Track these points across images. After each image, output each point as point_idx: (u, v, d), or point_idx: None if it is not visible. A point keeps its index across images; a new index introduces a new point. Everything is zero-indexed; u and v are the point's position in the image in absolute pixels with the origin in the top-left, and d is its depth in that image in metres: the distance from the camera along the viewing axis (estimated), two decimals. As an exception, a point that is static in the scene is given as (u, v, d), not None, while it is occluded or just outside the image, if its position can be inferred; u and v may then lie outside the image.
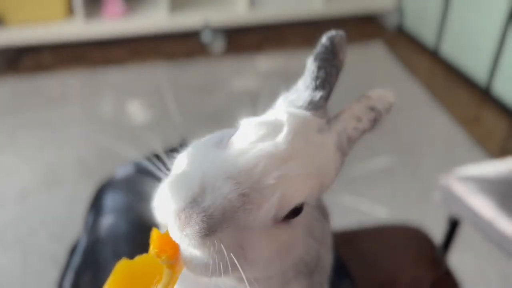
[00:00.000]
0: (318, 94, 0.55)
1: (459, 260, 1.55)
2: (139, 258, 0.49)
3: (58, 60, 3.00)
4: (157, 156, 0.56)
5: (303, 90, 0.56)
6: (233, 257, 0.45)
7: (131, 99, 2.68)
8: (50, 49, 3.05)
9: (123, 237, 0.96)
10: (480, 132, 2.44)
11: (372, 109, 0.56)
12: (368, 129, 0.56)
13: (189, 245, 0.45)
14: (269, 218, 0.47)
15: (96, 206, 1.09)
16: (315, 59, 0.56)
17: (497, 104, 2.58)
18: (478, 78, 2.69)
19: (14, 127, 2.44)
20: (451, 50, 2.90)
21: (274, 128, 0.49)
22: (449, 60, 2.91)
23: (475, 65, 2.70)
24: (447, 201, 1.30)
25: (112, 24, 2.96)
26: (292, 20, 3.22)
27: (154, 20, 3.02)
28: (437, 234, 1.34)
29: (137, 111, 2.58)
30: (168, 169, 0.54)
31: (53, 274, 1.65)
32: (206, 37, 3.08)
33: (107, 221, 1.01)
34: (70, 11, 2.95)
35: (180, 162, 0.51)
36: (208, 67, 2.90)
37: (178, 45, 3.14)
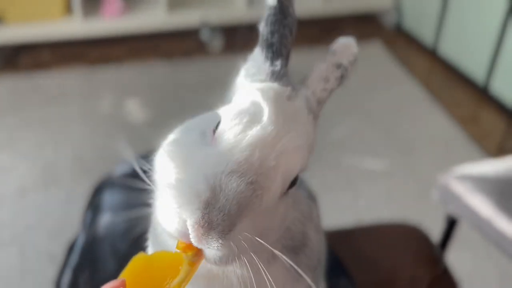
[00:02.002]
0: (278, 64, 0.55)
1: (457, 259, 1.55)
2: (157, 254, 0.50)
3: (57, 58, 2.99)
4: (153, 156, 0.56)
5: (262, 61, 0.56)
6: (255, 238, 0.47)
7: (130, 98, 2.67)
8: (49, 47, 3.04)
9: (121, 235, 0.96)
10: (478, 131, 2.45)
11: (338, 66, 0.56)
12: (336, 88, 0.57)
13: (215, 247, 0.46)
14: (278, 196, 0.49)
15: (94, 204, 1.09)
16: (266, 24, 0.56)
17: (495, 103, 2.58)
18: (476, 77, 2.69)
19: (12, 125, 2.43)
20: (450, 49, 2.90)
21: (255, 111, 0.50)
22: (448, 59, 2.91)
23: (473, 64, 2.70)
24: (445, 200, 1.31)
25: (110, 23, 2.95)
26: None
27: (153, 18, 3.01)
28: (435, 233, 1.34)
29: (135, 109, 2.58)
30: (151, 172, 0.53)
31: (51, 272, 1.64)
32: (204, 36, 3.07)
33: (105, 219, 1.01)
34: (68, 9, 2.94)
35: (164, 164, 0.50)
36: (206, 66, 2.89)
37: (177, 44, 3.14)
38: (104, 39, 3.06)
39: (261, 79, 0.55)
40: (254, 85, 0.54)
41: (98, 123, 2.46)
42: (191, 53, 3.03)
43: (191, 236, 0.46)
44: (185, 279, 0.48)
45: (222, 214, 0.44)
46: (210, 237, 0.45)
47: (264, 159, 0.48)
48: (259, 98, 0.51)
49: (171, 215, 0.47)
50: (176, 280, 0.47)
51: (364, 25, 3.42)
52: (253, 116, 0.50)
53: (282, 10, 0.56)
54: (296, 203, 0.58)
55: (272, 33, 0.56)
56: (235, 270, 0.51)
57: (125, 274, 0.48)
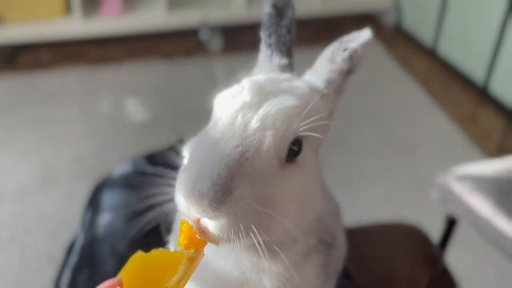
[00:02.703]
0: (277, 59, 0.59)
1: (456, 259, 1.55)
2: (155, 252, 0.50)
3: (56, 58, 2.99)
4: (155, 154, 0.57)
5: (262, 61, 0.61)
6: (258, 207, 0.47)
7: (129, 97, 2.67)
8: (48, 47, 3.04)
9: (120, 235, 0.96)
10: (477, 131, 2.45)
11: (344, 48, 0.57)
12: (346, 69, 0.58)
13: (214, 214, 0.47)
14: (273, 158, 0.50)
15: (93, 204, 1.09)
16: (264, 27, 0.60)
17: (494, 103, 2.59)
18: (476, 77, 2.69)
19: (11, 125, 2.43)
20: (449, 49, 2.90)
21: (240, 91, 0.53)
22: (447, 60, 2.91)
23: (473, 64, 2.71)
24: (444, 200, 1.31)
25: (110, 22, 2.95)
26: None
27: (152, 18, 3.01)
28: (435, 232, 1.34)
29: (134, 109, 2.58)
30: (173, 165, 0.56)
31: (50, 272, 1.65)
32: (204, 35, 3.07)
33: (105, 219, 1.01)
34: (68, 9, 2.94)
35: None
36: (206, 65, 2.89)
37: (176, 43, 3.14)
38: (103, 39, 3.06)
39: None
40: None
41: (97, 123, 2.45)
42: (191, 53, 3.03)
43: (188, 210, 0.48)
44: (184, 277, 0.48)
45: (211, 180, 0.46)
46: (203, 204, 0.46)
47: (246, 123, 0.49)
48: (244, 81, 0.54)
49: (178, 197, 0.49)
50: (174, 278, 0.47)
51: (363, 25, 3.38)
52: (238, 93, 0.52)
53: (278, 13, 0.60)
54: (325, 198, 0.59)
55: (269, 35, 0.60)
56: (266, 269, 0.53)
57: (123, 272, 0.48)
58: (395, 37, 3.29)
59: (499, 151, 2.30)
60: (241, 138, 0.49)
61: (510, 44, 2.43)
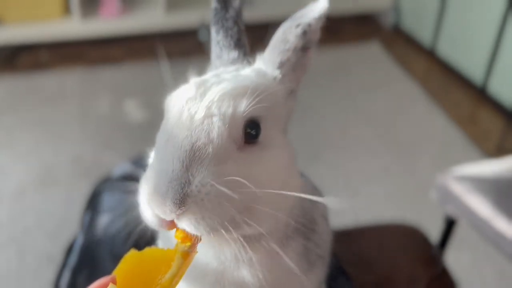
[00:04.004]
0: (225, 54, 0.60)
1: (455, 259, 1.55)
2: (148, 250, 0.50)
3: (55, 58, 2.99)
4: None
5: (214, 60, 0.61)
6: (224, 189, 0.47)
7: (128, 98, 2.67)
8: (47, 47, 3.04)
9: (119, 237, 0.96)
10: (476, 131, 2.45)
11: (297, 25, 0.56)
12: (301, 45, 0.56)
13: (181, 210, 0.47)
14: (227, 142, 0.49)
15: (92, 205, 1.09)
16: (211, 25, 0.60)
17: (493, 104, 2.59)
18: (474, 77, 2.69)
19: (11, 125, 2.43)
20: (448, 49, 2.90)
21: (186, 88, 0.53)
22: (446, 60, 2.91)
23: (471, 64, 2.71)
24: (443, 200, 1.31)
25: (108, 23, 2.95)
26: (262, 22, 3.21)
27: (151, 19, 3.01)
28: (434, 233, 1.34)
29: (134, 109, 2.58)
30: None
31: (49, 273, 1.64)
32: (203, 36, 3.07)
33: (104, 220, 1.01)
34: (67, 10, 2.94)
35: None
36: (205, 66, 2.88)
37: (175, 44, 3.14)
38: (102, 40, 3.06)
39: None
40: None
41: (96, 124, 2.45)
42: (190, 53, 3.03)
43: (156, 222, 0.48)
44: (177, 274, 0.48)
45: (167, 178, 0.46)
46: (167, 204, 0.46)
47: (193, 114, 0.50)
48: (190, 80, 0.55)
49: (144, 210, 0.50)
50: (167, 275, 0.47)
51: (362, 25, 3.42)
52: (183, 92, 0.53)
53: (224, 7, 0.60)
54: (305, 183, 0.59)
55: (217, 31, 0.60)
56: (243, 258, 0.53)
57: (117, 271, 0.48)
58: (394, 38, 3.29)
59: (498, 151, 2.30)
60: (189, 129, 0.49)
61: (509, 44, 2.44)
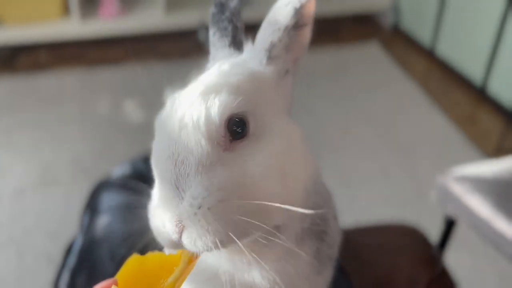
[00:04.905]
0: (220, 54, 0.59)
1: (455, 260, 1.55)
2: (151, 255, 0.50)
3: (54, 59, 2.99)
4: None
5: (210, 61, 0.60)
6: (218, 194, 0.46)
7: (128, 98, 2.67)
8: (47, 48, 3.04)
9: (119, 237, 0.96)
10: (476, 131, 2.45)
11: (285, 4, 0.54)
12: (292, 24, 0.54)
13: (179, 228, 0.46)
14: (208, 148, 0.48)
15: (92, 206, 1.09)
16: (209, 28, 0.60)
17: (492, 104, 2.59)
18: (474, 77, 2.69)
19: (10, 126, 2.43)
20: (447, 49, 2.90)
21: (169, 107, 0.52)
22: (445, 60, 2.91)
23: (471, 64, 2.71)
24: (443, 201, 1.31)
25: (108, 24, 2.95)
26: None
27: (150, 19, 3.01)
28: (434, 233, 1.34)
29: (133, 110, 2.58)
30: None
31: (49, 273, 1.64)
32: (202, 36, 3.07)
33: (103, 221, 1.01)
34: (66, 10, 2.94)
35: None
36: (204, 66, 2.88)
37: (174, 45, 3.14)
38: (102, 40, 3.06)
39: None
40: None
41: (96, 124, 2.45)
42: (189, 54, 3.03)
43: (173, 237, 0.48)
44: (180, 278, 0.48)
45: (162, 201, 0.47)
46: (166, 226, 0.47)
47: (169, 131, 0.49)
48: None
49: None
50: (170, 279, 0.47)
51: (362, 25, 3.42)
52: (165, 113, 0.52)
53: (221, 10, 0.59)
54: (317, 184, 0.57)
55: (214, 33, 0.60)
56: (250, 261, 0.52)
57: (119, 275, 0.48)
58: (394, 38, 3.29)
59: (498, 152, 2.30)
60: (169, 148, 0.48)
61: (508, 44, 2.44)
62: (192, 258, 0.49)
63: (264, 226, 0.48)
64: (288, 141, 0.52)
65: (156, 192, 0.49)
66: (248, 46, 0.57)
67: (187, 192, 0.46)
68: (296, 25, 0.54)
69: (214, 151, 0.48)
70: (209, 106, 0.48)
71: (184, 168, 0.47)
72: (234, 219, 0.46)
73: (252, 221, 0.47)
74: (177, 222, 0.46)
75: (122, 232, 0.97)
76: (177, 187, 0.46)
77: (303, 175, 0.53)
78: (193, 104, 0.49)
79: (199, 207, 0.45)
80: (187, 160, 0.47)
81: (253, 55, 0.55)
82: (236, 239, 0.46)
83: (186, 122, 0.48)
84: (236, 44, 0.59)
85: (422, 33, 3.11)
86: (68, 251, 1.08)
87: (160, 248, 0.53)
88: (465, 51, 2.76)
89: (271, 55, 0.54)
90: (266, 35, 0.54)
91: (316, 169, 0.56)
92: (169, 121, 0.50)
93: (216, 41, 0.59)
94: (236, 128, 0.49)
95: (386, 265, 1.02)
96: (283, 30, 0.53)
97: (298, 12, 0.53)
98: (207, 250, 0.47)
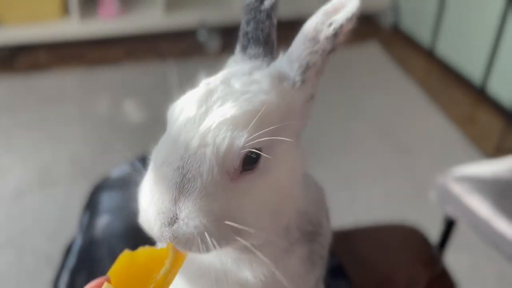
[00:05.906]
0: (251, 49, 0.55)
1: (455, 260, 1.55)
2: (142, 250, 0.50)
3: (54, 59, 2.98)
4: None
5: (238, 52, 0.57)
6: (213, 224, 0.46)
7: (127, 99, 2.67)
8: (46, 48, 3.03)
9: (118, 237, 0.96)
10: (475, 131, 2.45)
11: (329, 24, 0.51)
12: (329, 48, 0.51)
13: (169, 239, 0.47)
14: (218, 175, 0.47)
15: (91, 206, 1.09)
16: (244, 14, 0.56)
17: (492, 104, 2.59)
18: (474, 77, 2.69)
19: (9, 126, 2.42)
20: (447, 49, 2.90)
21: (189, 102, 0.51)
22: (445, 60, 2.91)
23: (471, 64, 2.71)
24: (443, 201, 1.31)
25: (107, 24, 2.95)
26: (288, 19, 3.21)
27: (150, 19, 3.01)
28: (433, 233, 1.34)
29: (133, 110, 2.58)
30: None
31: (48, 274, 1.64)
32: (202, 36, 3.07)
33: (103, 221, 1.01)
34: (65, 10, 2.94)
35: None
36: (204, 66, 2.88)
37: (174, 45, 3.14)
38: (101, 40, 3.06)
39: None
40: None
41: (95, 124, 2.45)
42: (189, 54, 3.03)
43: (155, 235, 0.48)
44: (171, 271, 0.48)
45: (156, 208, 0.46)
46: (154, 233, 0.47)
47: (189, 141, 0.47)
48: (199, 86, 0.52)
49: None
50: (161, 272, 0.48)
51: (361, 25, 3.36)
52: (185, 107, 0.51)
53: None
54: (308, 185, 0.56)
55: (248, 21, 0.56)
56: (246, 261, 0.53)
57: (112, 271, 0.49)
58: (393, 38, 3.29)
59: (497, 152, 2.30)
60: (182, 159, 0.46)
61: (508, 44, 2.44)
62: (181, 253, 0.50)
63: (248, 244, 0.49)
64: (290, 175, 0.52)
65: (150, 189, 0.48)
66: (284, 58, 0.54)
67: (183, 212, 0.46)
68: (330, 50, 0.52)
69: (222, 180, 0.47)
70: (234, 137, 0.46)
71: (188, 186, 0.46)
72: (226, 236, 0.47)
73: (239, 238, 0.48)
74: (167, 235, 0.47)
75: (121, 232, 0.96)
76: (175, 202, 0.46)
77: (295, 207, 0.54)
78: (220, 126, 0.47)
79: (195, 228, 0.46)
80: (195, 180, 0.46)
81: (287, 72, 0.52)
82: (226, 246, 0.49)
83: (207, 142, 0.47)
84: (268, 43, 0.56)
85: (422, 33, 3.11)
86: (68, 251, 1.08)
87: (153, 243, 0.53)
88: (464, 51, 2.76)
89: (304, 78, 0.52)
90: (303, 54, 0.51)
91: (305, 165, 0.55)
92: (190, 127, 0.48)
93: (250, 31, 0.55)
94: (248, 162, 0.48)
95: (386, 265, 1.02)
96: (320, 54, 0.51)
97: (337, 37, 0.51)
98: (200, 253, 0.48)
